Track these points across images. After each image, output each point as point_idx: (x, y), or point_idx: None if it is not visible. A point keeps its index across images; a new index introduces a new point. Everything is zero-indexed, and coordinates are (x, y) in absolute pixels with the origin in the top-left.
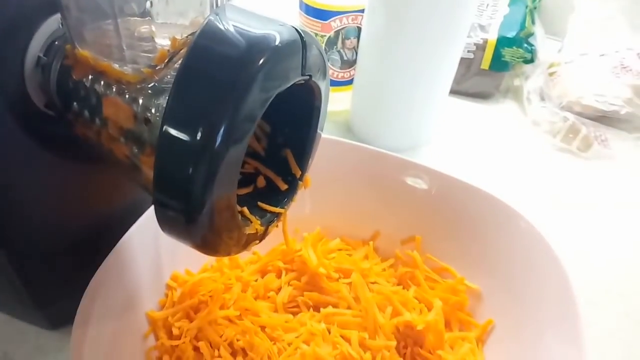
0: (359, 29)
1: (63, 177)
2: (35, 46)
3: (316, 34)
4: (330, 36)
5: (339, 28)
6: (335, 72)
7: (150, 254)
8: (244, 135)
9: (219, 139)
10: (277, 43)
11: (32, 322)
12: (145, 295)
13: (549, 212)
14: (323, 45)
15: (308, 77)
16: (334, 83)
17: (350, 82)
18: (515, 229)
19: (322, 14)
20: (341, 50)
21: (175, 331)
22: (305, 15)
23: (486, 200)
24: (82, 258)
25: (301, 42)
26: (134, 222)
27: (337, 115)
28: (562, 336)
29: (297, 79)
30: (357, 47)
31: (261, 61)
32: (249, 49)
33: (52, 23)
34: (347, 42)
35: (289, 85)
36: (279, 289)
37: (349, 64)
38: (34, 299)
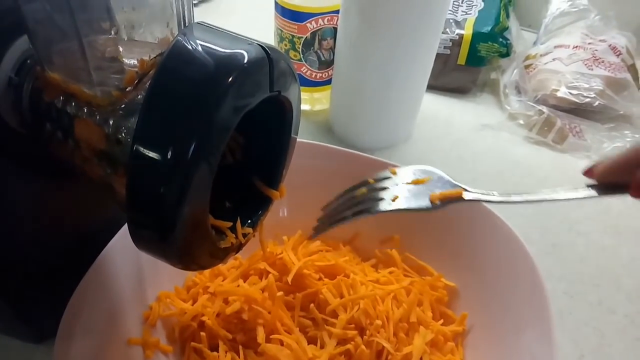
0: (335, 29)
1: (41, 194)
2: (6, 66)
3: (293, 36)
4: (307, 38)
5: (315, 29)
6: (313, 72)
7: (132, 265)
8: (214, 154)
9: (189, 158)
10: (244, 62)
11: (17, 336)
12: (128, 308)
13: (526, 204)
14: (300, 46)
15: (277, 92)
16: (313, 84)
17: (328, 82)
18: (489, 226)
19: (298, 16)
20: (318, 51)
21: None
22: (282, 18)
23: None
24: (65, 272)
25: (268, 60)
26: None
27: (317, 115)
28: (537, 334)
29: (265, 95)
30: (334, 47)
31: (229, 80)
32: (217, 69)
33: (23, 42)
34: (324, 42)
35: (257, 102)
36: (263, 290)
37: (327, 64)
38: (18, 314)
